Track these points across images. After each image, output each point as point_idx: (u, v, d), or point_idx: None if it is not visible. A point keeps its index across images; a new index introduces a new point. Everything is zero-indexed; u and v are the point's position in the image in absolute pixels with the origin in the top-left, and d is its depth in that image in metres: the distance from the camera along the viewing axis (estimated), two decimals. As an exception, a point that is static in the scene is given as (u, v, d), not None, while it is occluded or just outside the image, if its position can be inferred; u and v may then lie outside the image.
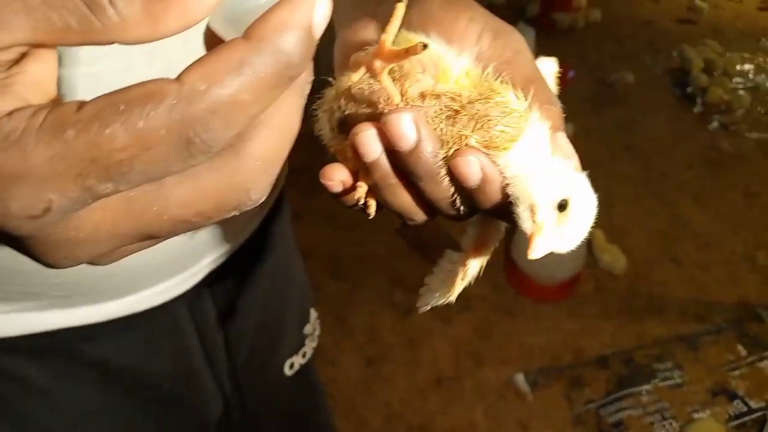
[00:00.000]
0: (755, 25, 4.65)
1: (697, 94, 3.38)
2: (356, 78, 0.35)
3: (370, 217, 0.39)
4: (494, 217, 0.37)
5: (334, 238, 2.40)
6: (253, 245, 0.70)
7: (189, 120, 0.20)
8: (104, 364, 0.60)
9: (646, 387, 1.87)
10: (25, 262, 0.49)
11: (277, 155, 0.24)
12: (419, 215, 0.38)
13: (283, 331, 0.79)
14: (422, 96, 0.34)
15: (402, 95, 0.34)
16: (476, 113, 0.34)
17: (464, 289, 1.79)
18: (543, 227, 0.33)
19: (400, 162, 0.34)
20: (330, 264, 2.28)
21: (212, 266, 0.64)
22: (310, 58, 0.22)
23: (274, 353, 0.78)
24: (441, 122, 0.34)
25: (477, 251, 0.40)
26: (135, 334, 0.61)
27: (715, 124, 3.20)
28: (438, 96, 0.34)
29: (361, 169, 0.35)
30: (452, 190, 0.35)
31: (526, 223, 0.34)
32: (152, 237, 0.25)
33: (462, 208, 0.36)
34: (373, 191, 0.37)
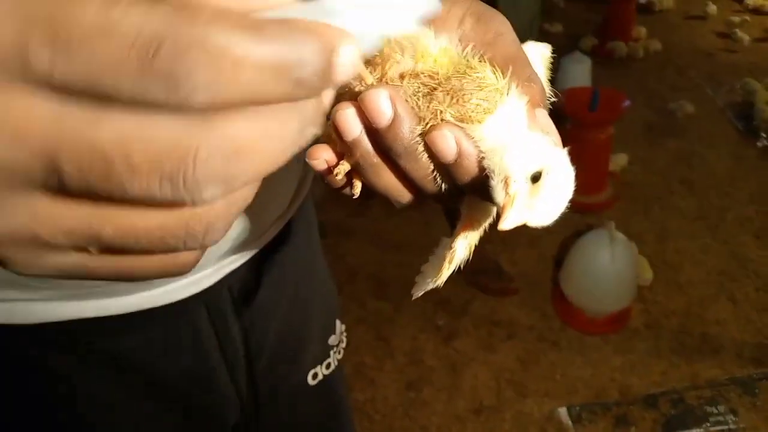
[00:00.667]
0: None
1: (761, 127, 3.27)
2: None
3: (355, 197, 0.39)
4: (476, 196, 0.36)
5: (380, 258, 2.40)
6: (277, 251, 0.70)
7: (164, 34, 0.18)
8: (120, 359, 0.61)
9: (696, 431, 1.79)
10: None
11: (243, 196, 0.23)
12: (405, 196, 0.37)
13: (307, 341, 0.78)
14: (401, 77, 0.35)
15: (382, 78, 0.35)
16: (452, 88, 0.34)
17: (510, 317, 1.77)
18: (515, 198, 0.32)
19: (380, 140, 0.34)
20: (374, 283, 2.28)
21: (232, 266, 0.64)
22: (320, 89, 0.20)
23: (296, 362, 0.77)
24: (419, 100, 0.34)
25: (463, 233, 0.40)
26: (151, 331, 0.61)
27: (778, 159, 3.08)
28: (417, 75, 0.35)
29: (344, 149, 0.36)
30: (431, 166, 0.35)
31: (499, 195, 0.33)
32: None
33: (443, 186, 0.36)
34: (357, 172, 0.37)
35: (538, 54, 0.40)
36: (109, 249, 0.23)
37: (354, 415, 1.83)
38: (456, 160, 0.33)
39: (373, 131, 0.34)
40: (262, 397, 0.74)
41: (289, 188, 0.68)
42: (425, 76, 0.34)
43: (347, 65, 0.20)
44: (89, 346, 0.59)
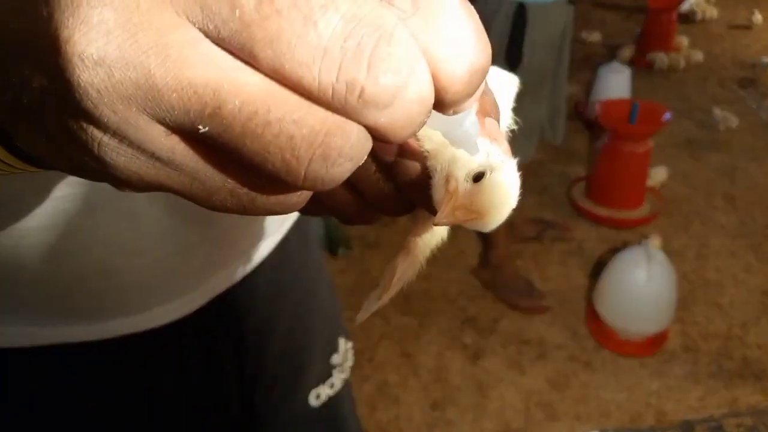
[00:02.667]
0: None
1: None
2: None
3: None
4: (418, 201, 0.33)
5: (407, 272, 2.36)
6: (272, 269, 0.68)
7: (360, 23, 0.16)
8: (111, 383, 0.60)
9: (736, 461, 1.69)
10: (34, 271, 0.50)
11: None
12: (349, 206, 0.34)
13: (308, 361, 0.76)
14: None
15: None
16: None
17: (540, 336, 1.71)
18: (454, 196, 0.30)
19: None
20: (399, 297, 2.23)
21: (222, 287, 0.62)
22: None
23: (297, 383, 0.75)
24: None
25: (405, 251, 0.37)
26: (141, 355, 0.60)
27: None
28: None
29: None
30: (373, 166, 0.32)
31: (438, 191, 0.31)
32: None
33: (386, 189, 0.33)
34: None
35: (504, 81, 0.38)
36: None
37: (376, 435, 1.79)
38: (397, 160, 0.31)
39: None
40: (261, 423, 0.72)
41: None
42: None
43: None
44: (76, 372, 0.58)
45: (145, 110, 0.17)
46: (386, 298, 0.39)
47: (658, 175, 2.77)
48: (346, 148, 0.18)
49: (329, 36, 0.16)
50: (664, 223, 2.56)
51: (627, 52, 4.03)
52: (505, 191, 0.30)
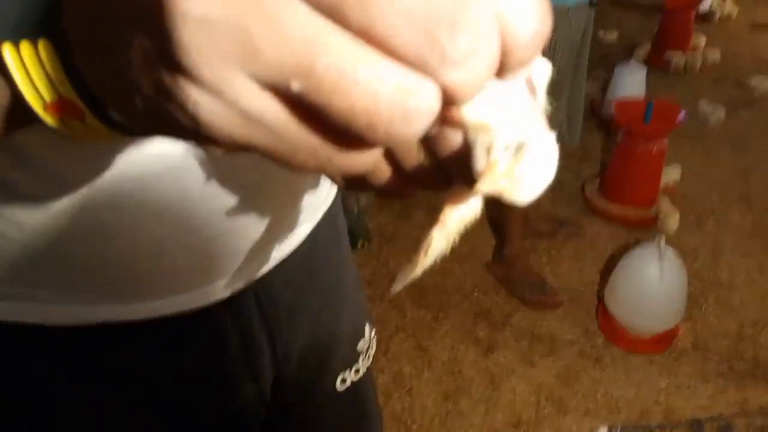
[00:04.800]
0: None
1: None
2: None
3: None
4: (458, 176, 0.34)
5: (421, 266, 2.39)
6: (304, 256, 0.70)
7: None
8: (145, 364, 0.62)
9: (744, 459, 1.72)
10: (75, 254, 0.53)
11: None
12: (384, 170, 0.34)
13: (335, 346, 0.78)
14: None
15: None
16: None
17: (551, 332, 1.74)
18: (495, 165, 0.31)
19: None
20: (415, 290, 2.27)
21: (258, 272, 0.64)
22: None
23: (324, 367, 0.77)
24: None
25: (441, 223, 0.38)
26: (176, 336, 0.62)
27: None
28: None
29: None
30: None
31: (479, 162, 0.32)
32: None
33: (426, 161, 0.33)
34: None
35: (538, 65, 0.38)
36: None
37: (391, 423, 1.83)
38: (439, 130, 0.31)
39: None
40: (289, 404, 0.75)
41: (310, 193, 0.69)
42: None
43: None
44: (118, 350, 0.60)
45: (241, 68, 0.18)
46: (419, 270, 0.40)
47: (672, 173, 2.78)
48: (424, 107, 0.19)
49: None
50: (675, 222, 2.57)
51: (643, 51, 4.02)
52: (544, 163, 0.32)
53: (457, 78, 0.18)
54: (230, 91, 0.18)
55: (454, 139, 0.31)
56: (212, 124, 0.19)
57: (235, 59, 0.18)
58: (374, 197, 2.62)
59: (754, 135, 3.23)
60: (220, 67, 0.18)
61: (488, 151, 0.32)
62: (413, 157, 0.33)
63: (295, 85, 0.18)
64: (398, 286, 0.40)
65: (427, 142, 0.32)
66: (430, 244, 0.39)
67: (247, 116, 0.19)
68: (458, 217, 0.39)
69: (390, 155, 0.33)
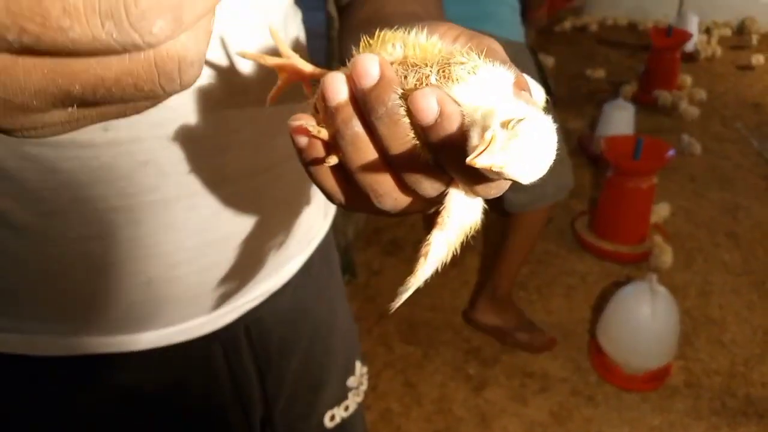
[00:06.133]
0: None
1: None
2: None
3: (327, 164, 0.36)
4: (453, 169, 0.34)
5: (410, 300, 2.35)
6: (296, 290, 0.70)
7: None
8: (135, 396, 0.61)
9: (740, 500, 1.68)
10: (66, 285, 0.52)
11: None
12: (384, 181, 0.35)
13: (325, 382, 0.78)
14: (391, 64, 0.35)
15: None
16: (439, 61, 0.34)
17: (543, 369, 1.71)
18: (492, 140, 0.30)
19: (363, 104, 0.33)
20: (404, 326, 2.24)
21: (249, 306, 0.64)
22: None
23: (314, 403, 0.77)
24: (406, 73, 0.34)
25: (439, 226, 0.37)
26: (167, 368, 0.61)
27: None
28: (406, 62, 0.35)
29: (326, 120, 0.35)
30: (411, 132, 0.33)
31: (475, 139, 0.32)
32: (74, 97, 0.22)
33: (423, 156, 0.34)
34: (336, 148, 0.35)
35: (533, 87, 0.39)
36: (88, 103, 0.22)
37: (378, 464, 1.78)
38: (437, 121, 0.32)
39: (358, 96, 0.33)
40: None
41: (302, 225, 0.69)
42: (414, 62, 0.35)
43: None
44: (106, 382, 0.59)
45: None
46: (421, 278, 0.39)
47: (661, 210, 2.80)
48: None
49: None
50: (669, 257, 2.57)
51: (630, 89, 4.08)
52: (541, 141, 0.31)
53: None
54: (27, 123, 0.22)
55: (450, 125, 0.32)
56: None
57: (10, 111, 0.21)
58: (361, 232, 2.61)
59: (740, 172, 3.27)
60: None
61: (483, 130, 0.31)
62: (410, 154, 0.34)
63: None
64: (400, 300, 0.40)
65: (425, 133, 0.33)
66: (430, 249, 0.38)
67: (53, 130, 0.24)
68: (459, 221, 0.38)
69: (384, 155, 0.34)
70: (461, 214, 0.37)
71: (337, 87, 0.33)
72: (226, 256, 0.58)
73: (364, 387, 0.84)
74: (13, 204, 0.48)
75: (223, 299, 0.60)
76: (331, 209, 0.76)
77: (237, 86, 0.52)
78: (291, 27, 0.60)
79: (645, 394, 1.99)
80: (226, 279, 0.59)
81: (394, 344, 2.17)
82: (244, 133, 0.55)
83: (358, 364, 0.82)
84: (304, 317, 0.72)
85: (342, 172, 0.35)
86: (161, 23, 0.19)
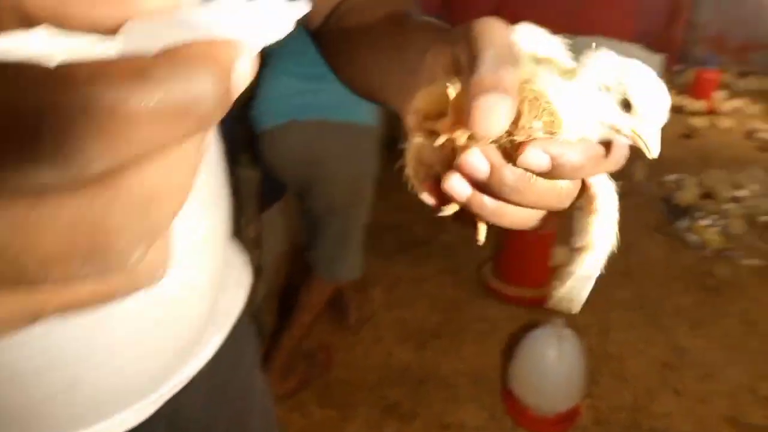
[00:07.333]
0: (742, 153, 4.81)
1: (692, 219, 3.44)
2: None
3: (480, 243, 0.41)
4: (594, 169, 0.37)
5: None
6: (212, 371, 0.68)
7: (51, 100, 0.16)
8: None
9: None
10: None
11: (165, 199, 0.20)
12: (534, 219, 0.39)
13: None
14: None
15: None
16: (531, 105, 0.35)
17: (460, 420, 1.72)
18: (636, 127, 0.35)
19: (489, 189, 0.36)
20: (319, 388, 2.21)
21: (167, 395, 0.62)
22: (224, 108, 0.19)
23: None
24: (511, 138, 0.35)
25: (591, 213, 0.40)
26: None
27: (709, 250, 3.22)
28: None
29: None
30: (543, 186, 0.36)
31: (623, 139, 0.35)
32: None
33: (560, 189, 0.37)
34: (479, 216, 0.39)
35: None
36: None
37: None
38: (553, 165, 0.34)
39: (482, 185, 0.35)
40: None
41: (222, 304, 0.68)
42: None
43: (245, 79, 0.19)
44: None
45: None
46: (589, 269, 0.41)
47: (561, 254, 2.94)
48: None
49: None
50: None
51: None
52: (653, 93, 0.35)
53: None
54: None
55: (566, 160, 0.34)
56: None
57: None
58: (270, 293, 2.57)
59: (631, 213, 3.49)
60: None
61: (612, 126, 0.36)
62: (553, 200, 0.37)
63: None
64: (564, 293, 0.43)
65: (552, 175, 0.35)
66: (591, 236, 0.39)
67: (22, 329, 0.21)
68: (608, 204, 0.39)
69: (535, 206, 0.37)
70: (607, 197, 0.39)
71: (459, 189, 0.36)
72: (153, 346, 0.56)
73: None
74: None
75: (147, 390, 0.59)
76: (246, 279, 0.75)
77: None
78: None
79: (558, 435, 2.05)
80: (151, 369, 0.58)
81: (310, 408, 2.13)
82: None
83: None
84: (223, 398, 0.71)
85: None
86: (140, 250, 0.19)
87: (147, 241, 0.19)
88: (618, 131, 0.35)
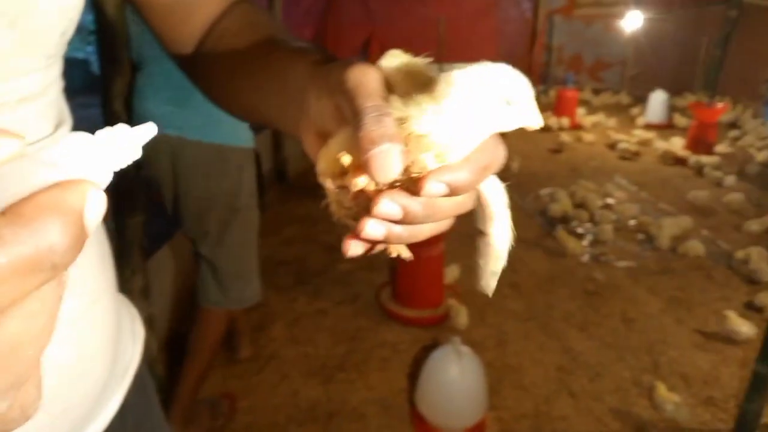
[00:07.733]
0: (607, 163, 5.21)
1: (567, 229, 3.67)
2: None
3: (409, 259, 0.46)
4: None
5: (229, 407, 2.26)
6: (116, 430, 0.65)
7: None
8: None
9: None
10: None
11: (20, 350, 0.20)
12: (447, 223, 0.43)
13: None
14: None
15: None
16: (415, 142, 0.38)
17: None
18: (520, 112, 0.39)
19: (407, 221, 0.39)
20: (226, 435, 2.13)
21: None
22: (79, 249, 0.19)
23: None
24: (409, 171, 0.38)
25: (488, 218, 0.45)
26: None
27: (586, 256, 3.45)
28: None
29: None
30: (451, 201, 0.40)
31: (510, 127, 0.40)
32: None
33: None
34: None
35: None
36: None
37: None
38: (450, 191, 0.37)
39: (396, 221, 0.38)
40: None
41: (119, 362, 0.65)
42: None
43: (97, 216, 0.20)
44: None
45: None
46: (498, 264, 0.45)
47: (452, 272, 3.03)
48: None
49: None
50: (464, 316, 2.78)
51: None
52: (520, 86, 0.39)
53: None
54: None
55: (460, 183, 0.38)
56: None
57: None
58: (163, 343, 2.46)
59: (515, 224, 3.66)
60: None
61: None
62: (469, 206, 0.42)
63: None
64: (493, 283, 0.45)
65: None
66: (492, 236, 0.44)
67: None
68: (497, 201, 0.43)
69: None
70: (498, 199, 0.43)
71: (375, 232, 0.38)
72: (39, 423, 0.52)
73: None
74: None
75: None
76: (139, 331, 0.73)
77: None
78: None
79: (467, 450, 2.10)
80: (70, 419, 0.55)
81: (217, 457, 2.05)
82: None
83: None
84: None
85: None
86: (9, 397, 0.19)
87: (14, 390, 0.19)
88: (503, 125, 0.40)
